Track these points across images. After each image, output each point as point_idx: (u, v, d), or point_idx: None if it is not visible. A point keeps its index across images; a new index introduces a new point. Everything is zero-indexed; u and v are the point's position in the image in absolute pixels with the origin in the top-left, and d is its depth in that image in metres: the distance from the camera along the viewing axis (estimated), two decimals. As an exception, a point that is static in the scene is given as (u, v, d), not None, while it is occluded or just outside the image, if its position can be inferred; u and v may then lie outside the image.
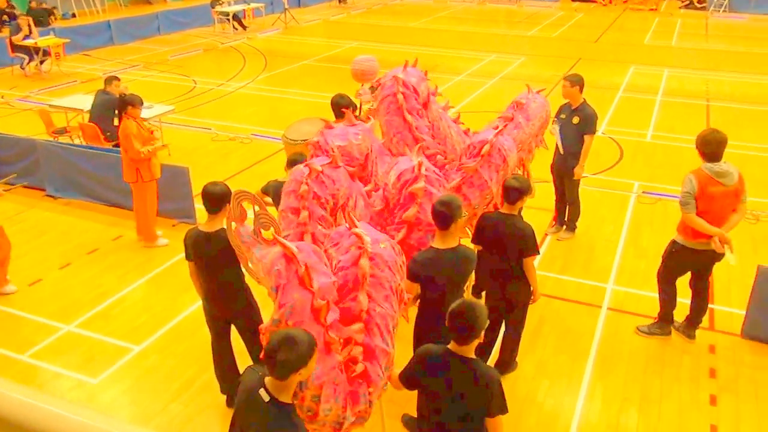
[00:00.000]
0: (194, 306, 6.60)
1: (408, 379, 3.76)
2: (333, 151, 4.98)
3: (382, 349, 3.78)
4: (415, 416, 5.09)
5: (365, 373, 3.72)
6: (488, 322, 3.52)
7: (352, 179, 4.73)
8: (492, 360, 5.74)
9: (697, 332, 6.25)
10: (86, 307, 6.74)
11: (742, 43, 20.39)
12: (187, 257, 4.95)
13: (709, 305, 6.25)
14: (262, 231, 3.74)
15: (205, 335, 5.33)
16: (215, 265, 4.80)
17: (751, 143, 11.36)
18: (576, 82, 7.30)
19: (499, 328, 5.68)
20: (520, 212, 5.30)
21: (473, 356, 3.53)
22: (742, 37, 21.41)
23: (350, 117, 5.42)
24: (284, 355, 2.96)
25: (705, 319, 6.24)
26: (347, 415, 3.64)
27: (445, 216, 4.35)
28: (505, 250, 5.22)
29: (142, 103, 7.55)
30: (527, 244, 5.16)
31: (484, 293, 6.03)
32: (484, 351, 5.64)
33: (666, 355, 6.07)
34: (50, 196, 9.18)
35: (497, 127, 5.69)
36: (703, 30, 22.77)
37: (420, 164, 4.83)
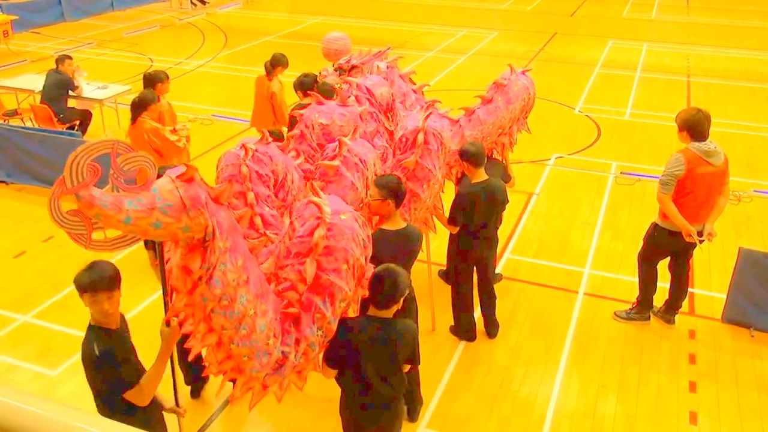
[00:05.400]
0: (156, 294, 6.30)
1: (334, 353, 3.76)
2: (314, 128, 4.98)
3: (321, 312, 3.61)
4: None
5: (298, 321, 3.63)
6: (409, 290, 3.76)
7: (283, 153, 4.70)
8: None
9: (677, 317, 6.11)
10: (43, 296, 6.51)
11: (725, 15, 20.13)
12: (146, 246, 4.87)
13: (689, 289, 6.11)
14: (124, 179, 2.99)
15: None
16: None
17: (734, 120, 11.19)
18: None
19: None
20: None
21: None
22: (724, 9, 21.05)
23: (343, 97, 5.24)
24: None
25: (684, 303, 6.10)
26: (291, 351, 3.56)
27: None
28: (497, 212, 5.49)
29: (168, 78, 7.45)
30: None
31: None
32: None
33: (644, 340, 5.91)
34: (2, 181, 8.82)
35: (424, 109, 5.49)
36: (683, 2, 22.55)
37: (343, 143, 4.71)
